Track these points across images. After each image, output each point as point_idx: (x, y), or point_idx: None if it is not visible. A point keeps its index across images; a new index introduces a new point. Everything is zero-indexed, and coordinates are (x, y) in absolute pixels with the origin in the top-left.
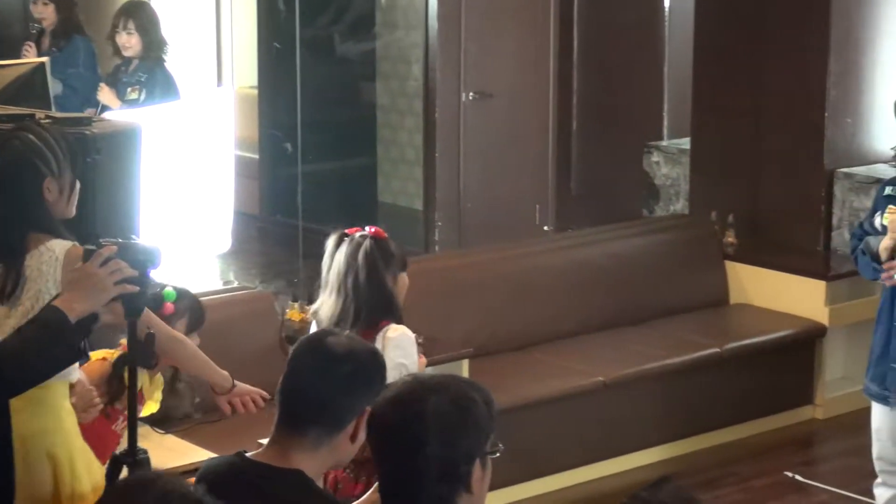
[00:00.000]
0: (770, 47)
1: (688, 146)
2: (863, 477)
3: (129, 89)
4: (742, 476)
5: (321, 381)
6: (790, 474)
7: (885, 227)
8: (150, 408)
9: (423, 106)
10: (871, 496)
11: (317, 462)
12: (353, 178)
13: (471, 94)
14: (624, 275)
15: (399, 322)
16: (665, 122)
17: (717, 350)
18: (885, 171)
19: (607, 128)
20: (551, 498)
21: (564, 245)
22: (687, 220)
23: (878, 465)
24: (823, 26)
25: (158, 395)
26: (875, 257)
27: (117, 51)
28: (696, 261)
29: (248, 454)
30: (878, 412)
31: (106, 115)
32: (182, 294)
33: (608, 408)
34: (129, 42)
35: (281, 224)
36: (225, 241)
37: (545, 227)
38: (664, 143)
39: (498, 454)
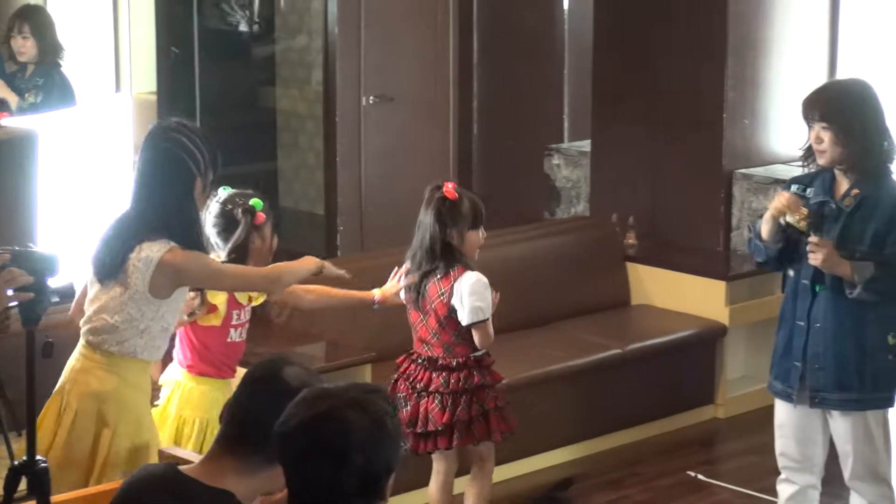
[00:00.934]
0: (668, 49)
1: (588, 148)
2: (763, 475)
3: (25, 94)
4: (645, 476)
5: (272, 411)
6: (692, 474)
7: (787, 224)
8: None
9: (324, 110)
10: (772, 494)
11: (250, 487)
12: (254, 183)
13: (371, 97)
14: (526, 277)
15: (468, 269)
16: (565, 125)
17: (619, 351)
18: (783, 171)
19: (508, 131)
20: (456, 501)
21: None
22: (588, 221)
23: (780, 462)
24: (721, 28)
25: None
26: (759, 236)
27: (12, 55)
28: (597, 262)
29: (180, 467)
30: (781, 409)
31: (1, 121)
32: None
33: (512, 411)
34: (24, 47)
35: None
36: None
37: None
38: (565, 145)
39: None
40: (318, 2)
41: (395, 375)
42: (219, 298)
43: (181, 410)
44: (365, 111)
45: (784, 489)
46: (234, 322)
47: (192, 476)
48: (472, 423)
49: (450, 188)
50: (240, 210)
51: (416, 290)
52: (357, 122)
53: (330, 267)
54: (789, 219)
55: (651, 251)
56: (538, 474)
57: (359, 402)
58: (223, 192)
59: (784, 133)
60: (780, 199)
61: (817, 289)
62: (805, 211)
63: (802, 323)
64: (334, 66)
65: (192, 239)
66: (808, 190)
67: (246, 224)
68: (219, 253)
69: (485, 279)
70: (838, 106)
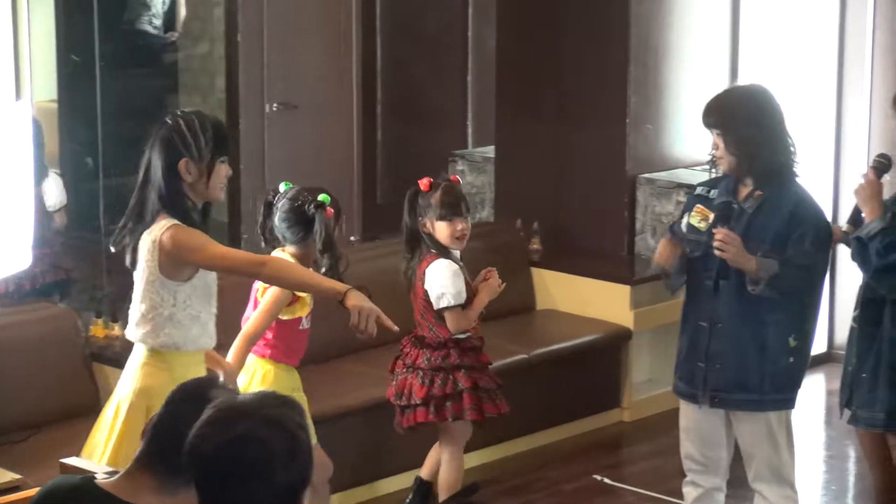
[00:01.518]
0: (572, 54)
1: (492, 154)
2: (669, 477)
3: None
4: (551, 480)
5: None
6: (598, 477)
7: (691, 227)
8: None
9: (227, 118)
10: (678, 496)
11: None
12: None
13: (275, 105)
14: None
15: (441, 257)
16: (469, 131)
17: (525, 356)
18: (686, 175)
19: (412, 137)
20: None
21: (371, 255)
22: (492, 227)
23: (686, 464)
24: (623, 33)
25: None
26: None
27: None
28: (502, 268)
29: (98, 481)
30: (686, 411)
31: None
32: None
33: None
34: None
35: (84, 239)
36: (25, 259)
37: (351, 238)
38: (469, 151)
39: None
40: (221, 9)
41: (398, 353)
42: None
43: None
44: (268, 118)
45: (689, 492)
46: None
47: (109, 490)
48: (446, 399)
49: (425, 182)
50: (311, 205)
51: (407, 274)
52: (260, 130)
53: (363, 306)
54: (692, 220)
55: (556, 256)
56: None
57: (274, 419)
58: (286, 188)
59: (687, 138)
60: (661, 249)
61: (720, 285)
62: (707, 212)
63: (705, 324)
64: (237, 73)
65: (185, 217)
66: (713, 191)
67: (322, 219)
68: (286, 246)
69: (452, 267)
70: (731, 113)
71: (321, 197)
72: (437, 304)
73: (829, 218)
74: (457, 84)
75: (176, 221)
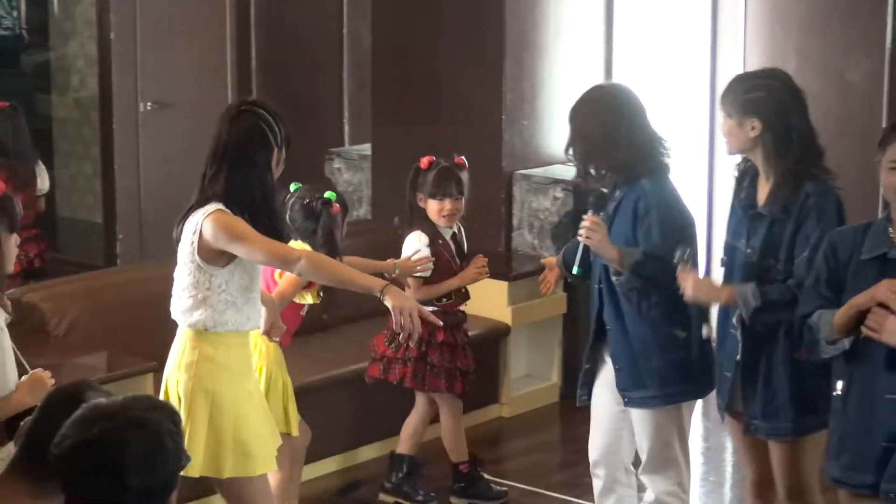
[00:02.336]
0: (447, 52)
1: (369, 152)
2: (548, 472)
3: None
4: (431, 477)
5: None
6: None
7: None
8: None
9: (100, 118)
10: (557, 490)
11: None
12: None
13: (149, 104)
14: None
15: (420, 229)
16: (346, 129)
17: None
18: (561, 171)
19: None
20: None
21: None
22: (369, 225)
23: (591, 456)
24: (498, 30)
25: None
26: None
27: None
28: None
29: None
30: (593, 404)
31: None
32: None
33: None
34: None
35: None
36: None
37: None
38: (345, 149)
39: None
40: (93, 9)
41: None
42: None
43: (269, 368)
44: (143, 118)
45: (595, 483)
46: None
47: None
48: (405, 363)
49: (425, 160)
50: (318, 202)
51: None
52: (135, 129)
53: (404, 305)
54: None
55: None
56: (323, 480)
57: (137, 421)
58: (296, 189)
59: (563, 134)
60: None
61: (601, 290)
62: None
63: (595, 325)
64: (110, 72)
65: (270, 210)
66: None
67: (327, 214)
68: (298, 240)
69: (423, 240)
70: (580, 112)
71: (327, 194)
72: None
73: (705, 210)
74: (333, 82)
75: (221, 206)
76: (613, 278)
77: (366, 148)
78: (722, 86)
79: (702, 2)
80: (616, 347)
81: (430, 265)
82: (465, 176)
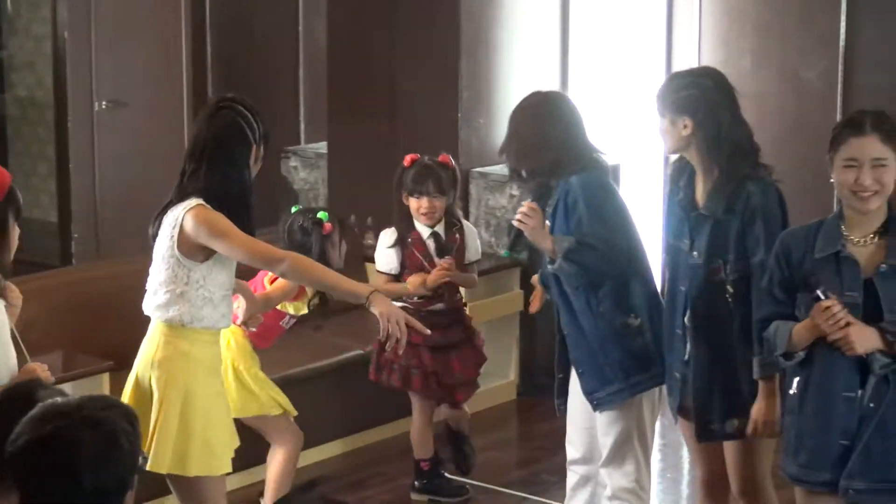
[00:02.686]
0: (403, 49)
1: (325, 150)
2: (506, 470)
3: None
4: (389, 475)
5: None
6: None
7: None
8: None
9: (55, 116)
10: (515, 488)
11: None
12: None
13: (104, 102)
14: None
15: (394, 226)
16: (302, 128)
17: (361, 352)
18: None
19: None
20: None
21: None
22: None
23: (568, 452)
24: (454, 28)
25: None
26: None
27: None
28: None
29: None
30: (569, 401)
31: None
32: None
33: None
34: None
35: None
36: None
37: None
38: (301, 147)
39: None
40: (47, 7)
41: None
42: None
43: (236, 363)
44: (98, 116)
45: (569, 479)
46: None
47: None
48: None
49: (408, 158)
50: (310, 223)
51: None
52: (90, 128)
53: (391, 312)
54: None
55: None
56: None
57: (91, 421)
58: (295, 210)
59: None
60: None
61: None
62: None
63: (559, 335)
64: (64, 71)
65: (244, 206)
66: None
67: (317, 235)
68: None
69: (391, 238)
70: (517, 115)
71: (319, 214)
72: None
73: (662, 208)
74: (288, 80)
75: (202, 202)
76: (549, 267)
77: (322, 146)
78: None
79: (657, 2)
80: (575, 351)
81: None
82: (449, 174)
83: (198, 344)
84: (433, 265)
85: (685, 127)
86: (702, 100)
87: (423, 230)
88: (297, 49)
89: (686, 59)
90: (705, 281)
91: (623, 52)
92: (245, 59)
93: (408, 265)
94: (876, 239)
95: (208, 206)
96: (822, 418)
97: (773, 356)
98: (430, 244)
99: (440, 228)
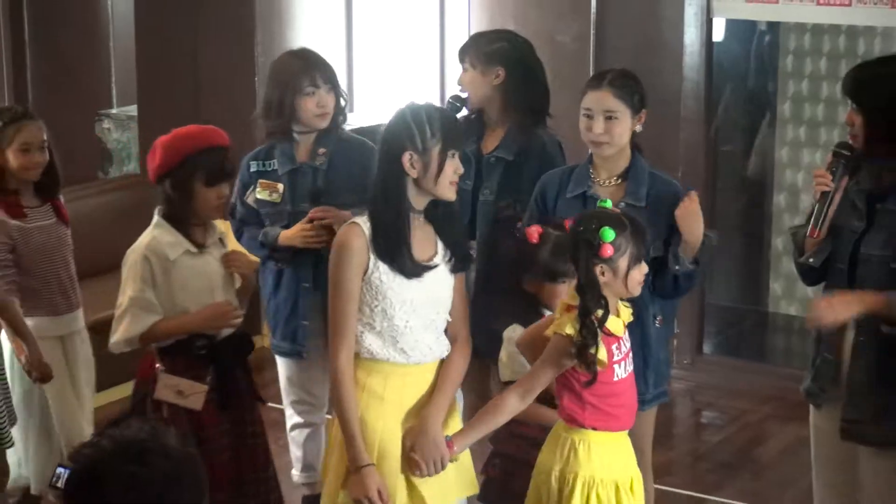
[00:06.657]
0: (205, 22)
1: (136, 113)
2: None
3: None
4: None
5: None
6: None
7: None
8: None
9: None
10: None
11: None
12: None
13: None
14: (84, 233)
15: None
16: (114, 91)
17: None
18: None
19: (61, 99)
20: None
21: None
22: (138, 179)
23: (295, 409)
24: (250, 2)
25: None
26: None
27: None
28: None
29: None
30: (286, 365)
31: None
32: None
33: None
34: None
35: None
36: None
37: None
38: (114, 111)
39: None
40: None
41: None
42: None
43: None
44: None
45: (296, 436)
46: None
47: None
48: None
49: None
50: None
51: None
52: None
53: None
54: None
55: None
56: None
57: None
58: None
59: None
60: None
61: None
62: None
63: None
64: None
65: None
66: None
67: None
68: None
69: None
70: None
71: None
72: None
73: None
74: (100, 48)
75: None
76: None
77: (132, 109)
78: (451, 50)
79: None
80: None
81: None
82: None
83: None
84: None
85: (497, 76)
86: (514, 51)
87: None
88: (108, 19)
89: (457, 23)
90: (493, 220)
91: (401, 20)
92: (60, 28)
93: None
94: (619, 181)
95: None
96: None
97: None
98: None
99: None
